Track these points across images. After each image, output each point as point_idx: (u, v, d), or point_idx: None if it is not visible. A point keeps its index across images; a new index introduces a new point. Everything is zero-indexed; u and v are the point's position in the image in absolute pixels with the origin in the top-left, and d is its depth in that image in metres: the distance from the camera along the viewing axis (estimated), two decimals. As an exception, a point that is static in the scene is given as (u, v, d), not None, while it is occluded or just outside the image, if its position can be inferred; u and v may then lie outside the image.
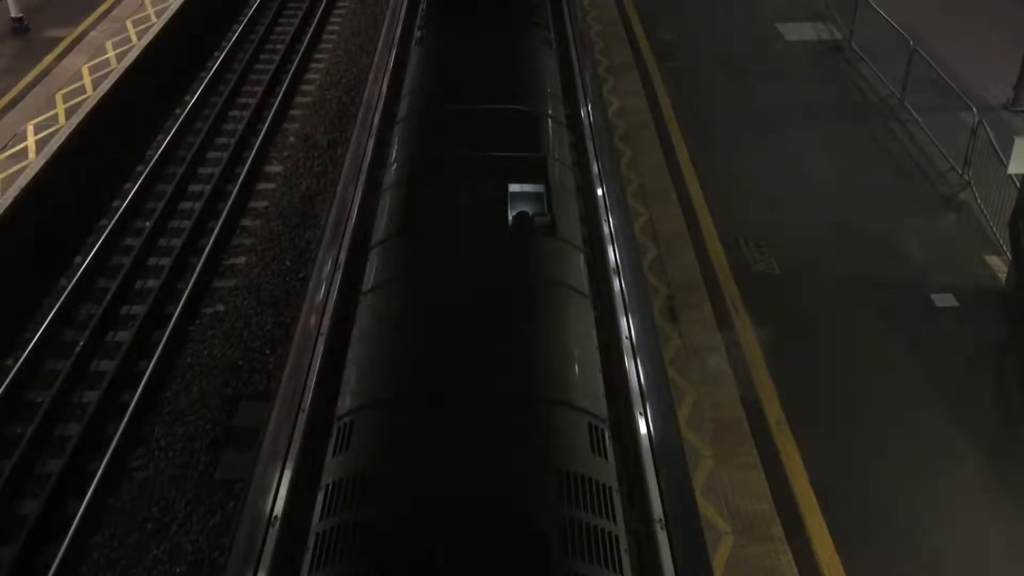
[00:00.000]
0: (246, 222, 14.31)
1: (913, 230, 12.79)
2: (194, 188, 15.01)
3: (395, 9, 11.97)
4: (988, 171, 12.94)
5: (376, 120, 8.90)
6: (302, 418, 5.51)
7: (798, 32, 18.73)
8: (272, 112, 16.73)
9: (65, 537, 9.24)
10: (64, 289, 12.52)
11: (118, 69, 15.95)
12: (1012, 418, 9.97)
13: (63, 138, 13.94)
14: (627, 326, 6.27)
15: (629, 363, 5.94)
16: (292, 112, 17.29)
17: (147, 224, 13.90)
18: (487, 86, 8.49)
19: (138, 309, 12.38)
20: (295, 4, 21.39)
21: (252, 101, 17.27)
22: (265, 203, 14.71)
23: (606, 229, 7.27)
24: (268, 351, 11.78)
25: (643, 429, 5.42)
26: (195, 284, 12.66)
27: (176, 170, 15.25)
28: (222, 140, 16.30)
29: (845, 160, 14.41)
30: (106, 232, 13.53)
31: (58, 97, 15.09)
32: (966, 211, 13.24)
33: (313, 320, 6.37)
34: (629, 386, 5.76)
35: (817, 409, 9.94)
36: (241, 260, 13.45)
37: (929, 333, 11.00)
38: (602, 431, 5.18)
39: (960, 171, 13.88)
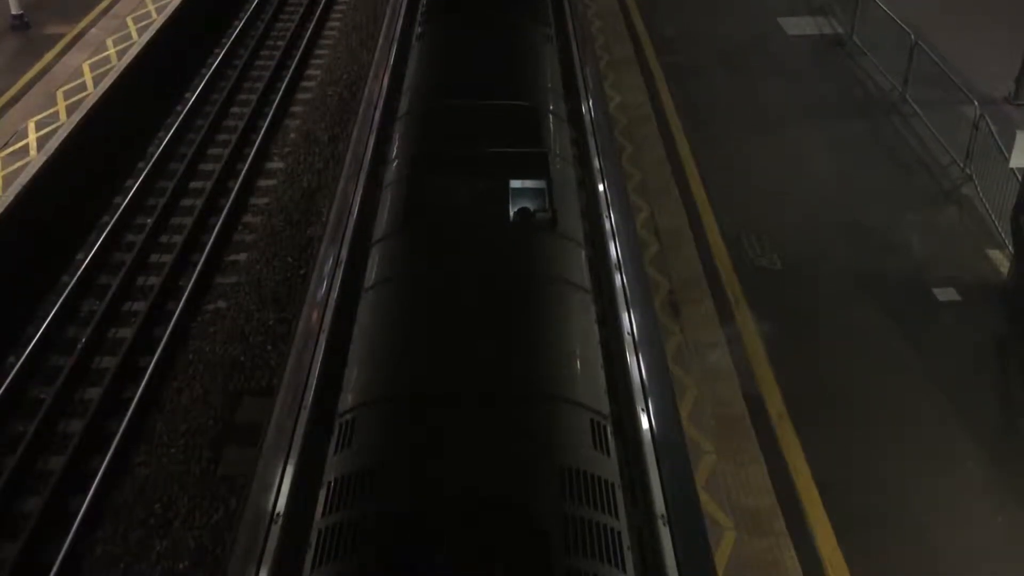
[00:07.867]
0: (247, 218, 14.31)
1: (915, 224, 12.78)
2: (196, 185, 15.01)
3: (396, 5, 11.95)
4: (990, 165, 12.93)
5: (377, 116, 8.89)
6: (304, 415, 5.51)
7: (799, 26, 18.70)
8: (273, 108, 16.71)
9: (68, 533, 9.27)
10: (66, 286, 12.52)
11: (119, 66, 15.94)
12: (1013, 413, 9.97)
13: (64, 135, 13.94)
14: (629, 321, 6.26)
15: (631, 359, 5.94)
16: (293, 109, 17.27)
17: (149, 221, 13.90)
18: (488, 82, 8.48)
19: (140, 306, 12.38)
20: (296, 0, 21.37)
21: (253, 97, 17.26)
22: (266, 200, 14.71)
23: (607, 224, 7.26)
24: (270, 347, 11.78)
25: (645, 425, 5.42)
26: (197, 280, 12.66)
27: (177, 167, 15.24)
28: (223, 137, 16.29)
29: (846, 154, 14.39)
30: (108, 229, 13.53)
31: (59, 94, 15.08)
32: (968, 205, 13.23)
33: (315, 317, 6.37)
34: (631, 382, 5.75)
35: (819, 404, 9.94)
36: (243, 256, 13.45)
37: (931, 327, 11.00)
38: (604, 427, 5.18)
39: (962, 165, 13.86)
